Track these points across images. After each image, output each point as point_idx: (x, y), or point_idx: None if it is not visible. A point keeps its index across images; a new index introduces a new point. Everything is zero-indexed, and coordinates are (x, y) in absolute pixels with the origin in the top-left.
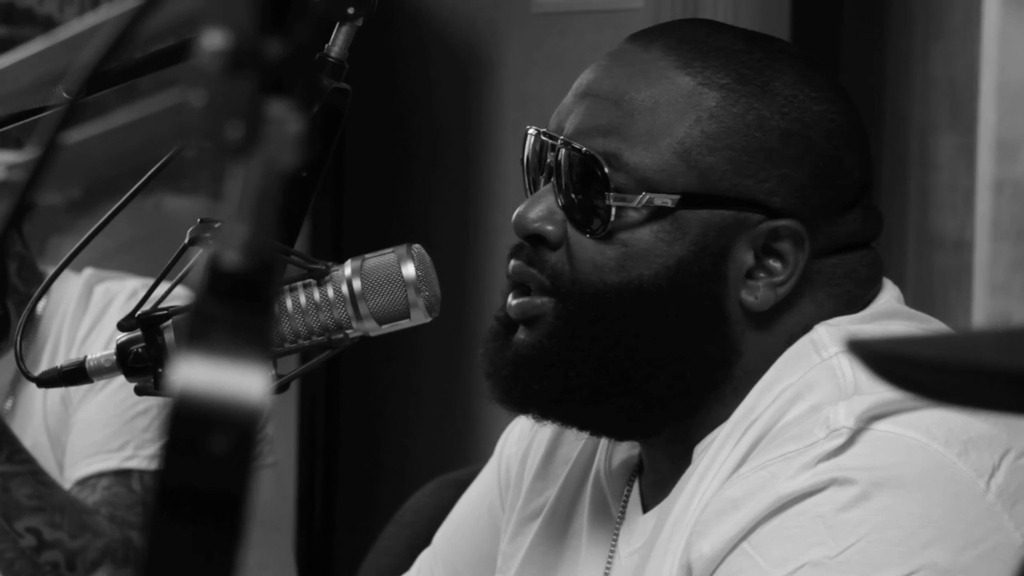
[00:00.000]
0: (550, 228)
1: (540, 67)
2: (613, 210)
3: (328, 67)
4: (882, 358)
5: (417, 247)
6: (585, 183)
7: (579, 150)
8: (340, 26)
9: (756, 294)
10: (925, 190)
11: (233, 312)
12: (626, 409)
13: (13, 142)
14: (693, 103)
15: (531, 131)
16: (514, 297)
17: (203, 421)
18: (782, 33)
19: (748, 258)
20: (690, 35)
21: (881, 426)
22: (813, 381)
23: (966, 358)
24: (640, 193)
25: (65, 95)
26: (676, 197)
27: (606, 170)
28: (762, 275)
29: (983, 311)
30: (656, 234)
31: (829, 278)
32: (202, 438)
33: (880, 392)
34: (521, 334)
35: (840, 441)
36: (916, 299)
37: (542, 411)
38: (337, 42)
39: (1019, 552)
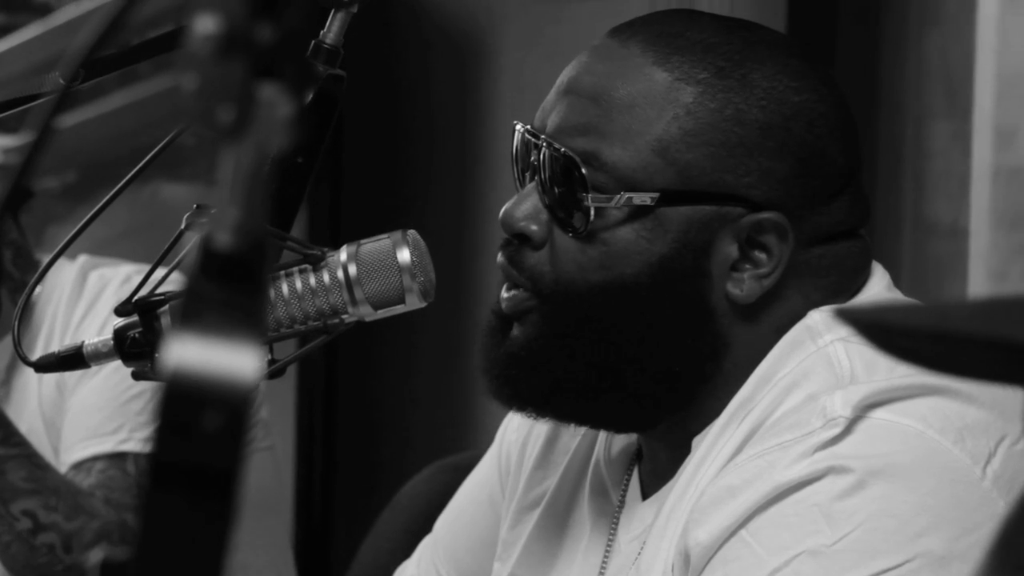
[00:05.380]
0: (534, 228)
1: (537, 54)
2: (592, 210)
3: (323, 54)
4: (873, 324)
5: (412, 233)
6: (566, 183)
7: (558, 150)
8: (335, 12)
9: (741, 286)
10: (920, 177)
11: (225, 292)
12: (617, 404)
13: (10, 127)
14: (670, 99)
15: (518, 127)
16: (506, 291)
17: (196, 399)
18: (778, 18)
19: (732, 250)
20: (668, 28)
21: (877, 414)
22: (809, 369)
23: (955, 327)
24: (619, 193)
25: (60, 80)
26: (655, 195)
27: (584, 171)
28: (747, 266)
29: None
30: (637, 232)
31: (816, 269)
32: (195, 415)
33: (876, 381)
34: (515, 330)
35: (837, 430)
36: (912, 286)
37: (536, 408)
38: (332, 29)
39: None
